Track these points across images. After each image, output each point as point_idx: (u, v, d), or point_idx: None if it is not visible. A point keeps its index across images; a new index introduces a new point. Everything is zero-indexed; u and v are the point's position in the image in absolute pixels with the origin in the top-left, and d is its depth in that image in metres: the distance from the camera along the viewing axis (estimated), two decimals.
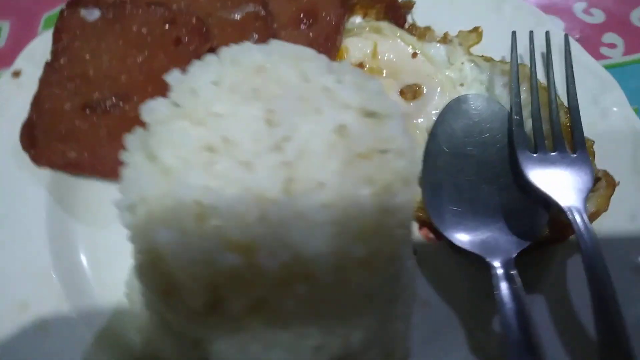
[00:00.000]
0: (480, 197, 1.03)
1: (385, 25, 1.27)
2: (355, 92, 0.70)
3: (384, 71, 1.22)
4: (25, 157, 1.07)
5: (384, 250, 0.64)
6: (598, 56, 1.39)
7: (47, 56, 1.16)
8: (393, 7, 1.30)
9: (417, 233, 1.09)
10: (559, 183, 0.98)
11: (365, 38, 1.26)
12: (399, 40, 1.25)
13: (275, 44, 0.75)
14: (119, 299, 0.97)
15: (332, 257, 0.61)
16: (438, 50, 1.25)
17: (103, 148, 1.08)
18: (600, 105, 1.14)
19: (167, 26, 1.19)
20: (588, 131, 1.07)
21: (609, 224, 1.02)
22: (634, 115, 1.12)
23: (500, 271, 0.93)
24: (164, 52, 1.17)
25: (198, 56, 0.83)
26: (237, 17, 1.24)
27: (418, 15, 1.32)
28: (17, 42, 1.38)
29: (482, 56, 1.23)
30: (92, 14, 1.19)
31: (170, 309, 0.73)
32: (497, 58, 1.22)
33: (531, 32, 1.18)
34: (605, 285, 0.86)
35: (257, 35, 1.20)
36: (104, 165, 1.07)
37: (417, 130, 1.15)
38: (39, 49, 1.20)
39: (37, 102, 1.11)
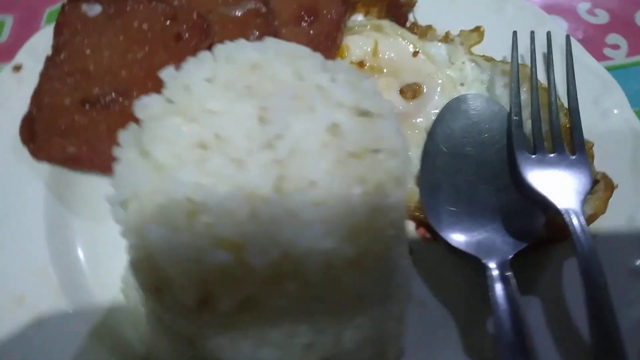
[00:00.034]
0: (478, 197, 1.03)
1: (386, 23, 1.26)
2: (349, 91, 0.69)
3: (385, 70, 1.22)
4: (24, 151, 1.07)
5: (374, 250, 0.64)
6: (601, 57, 1.38)
7: (48, 51, 1.16)
8: (395, 6, 1.29)
9: (414, 233, 1.09)
10: (556, 185, 0.98)
11: (366, 36, 1.26)
12: (400, 38, 1.25)
13: (270, 42, 0.75)
14: (115, 295, 0.98)
15: (322, 255, 0.61)
16: (439, 49, 1.24)
17: (102, 143, 1.09)
18: (601, 107, 1.14)
19: (168, 22, 1.20)
20: (588, 133, 1.06)
21: (607, 226, 1.02)
22: (634, 117, 1.11)
23: (495, 272, 0.93)
24: (164, 48, 1.17)
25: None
26: (238, 13, 1.24)
27: (420, 14, 1.31)
28: (20, 37, 1.38)
29: (483, 56, 1.22)
30: (94, 9, 1.19)
31: (162, 306, 0.73)
32: (498, 58, 1.22)
33: (532, 32, 1.17)
34: (600, 288, 0.86)
35: (257, 32, 1.20)
36: (103, 160, 1.07)
37: (416, 129, 1.14)
38: (40, 44, 1.21)
39: (37, 97, 1.12)
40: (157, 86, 0.78)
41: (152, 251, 0.64)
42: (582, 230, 0.91)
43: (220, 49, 0.74)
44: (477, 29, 1.25)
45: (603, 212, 1.01)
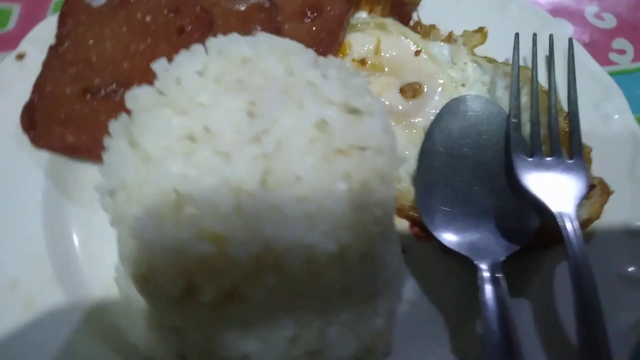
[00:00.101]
0: (473, 199, 1.03)
1: (389, 22, 1.26)
2: (339, 88, 0.70)
3: (386, 68, 1.22)
4: (24, 139, 1.09)
5: (357, 247, 0.64)
6: (606, 62, 1.37)
7: (52, 40, 1.18)
8: (399, 4, 1.29)
9: (408, 231, 1.09)
10: (552, 188, 0.98)
11: (369, 34, 1.26)
12: (402, 37, 1.25)
13: (263, 37, 0.75)
14: (109, 283, 0.99)
15: (304, 250, 0.62)
16: (441, 49, 1.24)
17: (102, 133, 1.06)
18: (602, 112, 1.13)
19: (171, 15, 1.20)
20: (587, 137, 1.06)
21: (603, 232, 1.01)
22: (635, 123, 1.10)
23: (486, 274, 0.93)
24: (166, 41, 1.18)
25: None
26: (242, 8, 1.24)
27: (424, 14, 1.31)
28: (26, 25, 1.38)
29: (486, 57, 1.22)
30: (98, 0, 1.20)
31: (148, 295, 0.74)
32: (501, 60, 1.21)
33: (534, 35, 1.16)
34: (589, 293, 0.85)
35: (260, 27, 1.21)
36: (102, 150, 1.08)
37: (415, 129, 1.14)
38: (44, 33, 1.22)
39: (39, 85, 1.13)
40: None
41: (138, 240, 0.65)
42: (574, 234, 0.90)
43: (212, 42, 0.74)
44: (481, 29, 1.25)
45: (598, 218, 1.00)
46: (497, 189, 1.04)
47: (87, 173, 1.11)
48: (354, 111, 0.69)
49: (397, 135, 1.09)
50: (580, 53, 1.19)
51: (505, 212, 1.01)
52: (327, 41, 1.20)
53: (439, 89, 1.19)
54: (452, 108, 1.13)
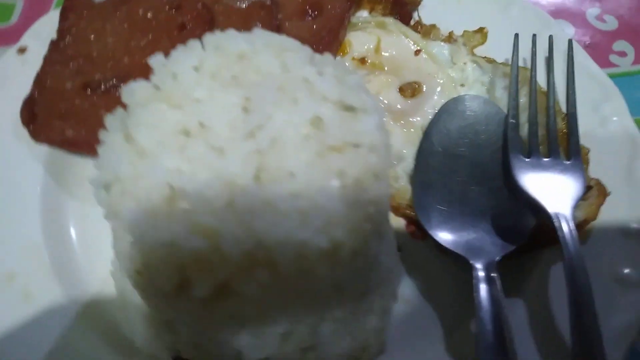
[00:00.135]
0: (469, 198, 1.03)
1: (390, 21, 1.26)
2: (334, 85, 0.70)
3: (386, 67, 1.22)
4: (24, 133, 1.09)
5: (349, 244, 0.64)
6: (607, 64, 1.37)
7: (54, 34, 1.18)
8: (399, 4, 1.29)
9: (404, 230, 1.09)
10: (548, 189, 0.98)
11: (369, 33, 1.26)
12: (402, 36, 1.25)
13: (259, 33, 0.76)
14: (105, 276, 0.99)
15: (295, 246, 0.62)
16: (441, 49, 1.24)
17: (101, 128, 1.10)
18: (600, 114, 1.13)
19: (172, 11, 1.21)
20: (585, 139, 1.06)
21: (599, 233, 1.01)
22: (633, 125, 1.10)
23: (481, 273, 0.93)
24: (167, 37, 1.18)
25: None
26: (243, 5, 1.24)
27: (424, 13, 1.31)
28: (29, 20, 1.39)
29: (485, 57, 1.22)
30: None
31: (142, 289, 0.74)
32: (500, 60, 1.21)
33: (534, 36, 1.16)
34: (584, 294, 0.86)
35: (260, 25, 1.21)
36: None
37: (413, 128, 1.15)
38: (46, 27, 1.22)
39: (40, 79, 1.13)
40: None
41: (132, 235, 0.65)
42: (570, 235, 0.90)
43: (209, 38, 0.74)
44: (481, 30, 1.25)
45: (594, 219, 1.00)
46: (493, 189, 1.04)
47: (85, 167, 1.11)
48: (348, 108, 0.69)
49: (395, 134, 1.11)
50: (580, 54, 1.19)
51: (501, 212, 1.01)
52: (327, 39, 1.20)
53: (438, 89, 1.19)
54: (450, 108, 1.13)
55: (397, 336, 0.97)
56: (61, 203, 1.10)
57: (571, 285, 0.87)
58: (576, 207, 0.96)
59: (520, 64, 1.17)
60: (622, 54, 1.40)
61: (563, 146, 1.05)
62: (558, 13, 1.47)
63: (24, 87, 1.12)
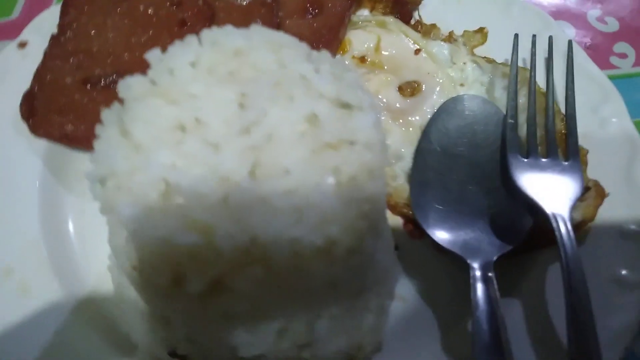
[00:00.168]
0: (467, 198, 1.03)
1: (390, 20, 1.26)
2: (331, 82, 0.70)
3: (385, 66, 1.22)
4: (23, 127, 1.09)
5: (344, 241, 0.64)
6: (607, 65, 1.37)
7: (55, 29, 1.18)
8: (400, 3, 1.30)
9: (402, 229, 1.09)
10: (546, 189, 0.98)
11: (369, 32, 1.26)
12: (403, 36, 1.25)
13: (257, 29, 0.76)
14: (103, 272, 0.99)
15: (290, 243, 0.62)
16: (441, 48, 1.24)
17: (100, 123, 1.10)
18: (599, 115, 1.13)
19: (173, 8, 1.21)
20: (584, 140, 1.06)
21: (596, 234, 1.01)
22: (632, 127, 1.10)
23: (478, 273, 0.93)
24: (168, 33, 1.19)
25: None
26: (244, 2, 1.25)
27: (425, 13, 1.31)
28: (31, 14, 1.39)
29: (485, 57, 1.22)
30: None
31: (138, 285, 0.74)
32: (500, 60, 1.21)
33: (534, 36, 1.16)
34: (581, 295, 0.86)
35: (261, 22, 1.21)
36: None
37: (411, 127, 1.15)
38: (46, 22, 1.22)
39: (40, 74, 1.13)
40: None
41: (127, 230, 0.65)
42: (567, 236, 0.90)
43: (206, 34, 0.74)
44: (481, 30, 1.25)
45: (592, 220, 1.00)
46: (491, 189, 1.04)
47: (84, 163, 1.09)
48: (345, 106, 0.69)
49: (394, 133, 1.11)
50: (580, 56, 1.19)
51: (499, 212, 1.01)
52: (327, 38, 1.20)
53: (438, 88, 1.19)
54: (449, 107, 1.13)
55: (393, 335, 0.97)
56: (60, 198, 1.10)
57: (568, 286, 0.87)
58: (574, 208, 0.96)
59: (521, 64, 1.17)
60: (623, 55, 1.39)
61: (562, 147, 1.04)
62: (559, 14, 1.47)
63: (23, 81, 1.12)
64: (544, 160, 1.01)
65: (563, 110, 1.10)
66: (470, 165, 1.06)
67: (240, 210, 0.62)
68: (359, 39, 1.25)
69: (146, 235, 0.63)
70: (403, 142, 1.12)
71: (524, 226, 0.99)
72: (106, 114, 0.71)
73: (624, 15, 1.46)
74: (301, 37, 0.85)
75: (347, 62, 1.18)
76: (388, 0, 1.29)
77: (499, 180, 1.04)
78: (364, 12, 1.32)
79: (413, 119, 1.16)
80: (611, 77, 1.19)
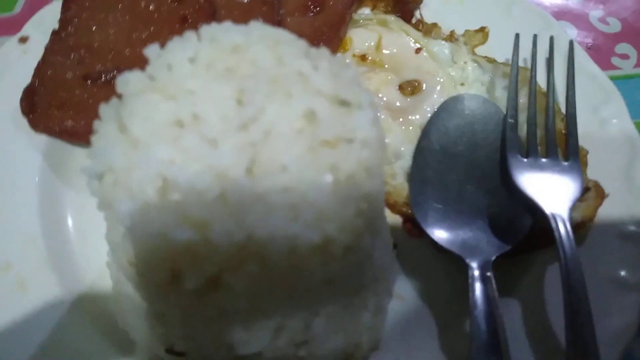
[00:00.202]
0: (466, 197, 1.03)
1: (392, 19, 1.26)
2: (329, 80, 0.69)
3: (386, 65, 1.22)
4: (23, 122, 1.09)
5: (340, 239, 0.64)
6: (608, 66, 1.37)
7: (56, 24, 1.18)
8: (402, 2, 1.30)
9: (401, 228, 1.09)
10: (546, 189, 0.98)
11: (370, 30, 1.26)
12: (404, 34, 1.25)
13: (255, 26, 0.75)
14: (101, 267, 0.99)
15: (286, 240, 0.62)
16: (442, 47, 1.24)
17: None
18: (600, 116, 1.13)
19: (175, 4, 1.21)
20: (584, 140, 1.06)
21: (596, 234, 1.01)
22: (633, 128, 1.10)
23: (476, 272, 0.93)
24: (169, 30, 1.19)
25: None
26: (245, 0, 1.24)
27: (426, 12, 1.31)
28: (33, 10, 1.38)
29: (486, 57, 1.22)
30: None
31: (135, 281, 0.74)
32: (501, 60, 1.21)
33: (535, 36, 1.16)
34: (579, 296, 0.85)
35: (262, 20, 1.21)
36: None
37: (411, 126, 1.14)
38: (48, 17, 1.23)
39: (40, 69, 1.14)
40: None
41: (124, 226, 0.65)
42: (567, 236, 0.90)
43: (205, 29, 0.74)
44: (482, 29, 1.25)
45: (591, 220, 1.00)
46: (491, 189, 1.04)
47: (84, 158, 1.11)
48: (343, 103, 0.69)
49: (393, 132, 1.11)
50: (581, 56, 1.19)
51: (498, 211, 1.01)
52: (328, 36, 1.20)
53: (438, 87, 1.19)
54: (449, 106, 1.13)
55: (391, 333, 0.97)
56: (59, 193, 1.10)
57: (567, 286, 0.87)
58: (573, 208, 0.96)
59: (521, 64, 1.17)
60: (625, 56, 1.39)
61: (562, 147, 1.04)
62: (561, 14, 1.47)
63: (24, 76, 1.12)
64: (543, 160, 1.01)
65: (563, 111, 1.10)
66: (470, 164, 1.06)
67: (237, 207, 0.61)
68: (360, 37, 1.25)
69: (143, 231, 0.63)
70: (403, 141, 1.12)
71: (523, 226, 0.99)
72: (104, 110, 0.71)
73: (626, 16, 1.46)
74: (302, 35, 0.84)
75: (347, 60, 1.18)
76: None
77: (499, 179, 1.04)
78: (365, 11, 1.32)
79: (413, 117, 1.16)
80: (613, 78, 1.19)
